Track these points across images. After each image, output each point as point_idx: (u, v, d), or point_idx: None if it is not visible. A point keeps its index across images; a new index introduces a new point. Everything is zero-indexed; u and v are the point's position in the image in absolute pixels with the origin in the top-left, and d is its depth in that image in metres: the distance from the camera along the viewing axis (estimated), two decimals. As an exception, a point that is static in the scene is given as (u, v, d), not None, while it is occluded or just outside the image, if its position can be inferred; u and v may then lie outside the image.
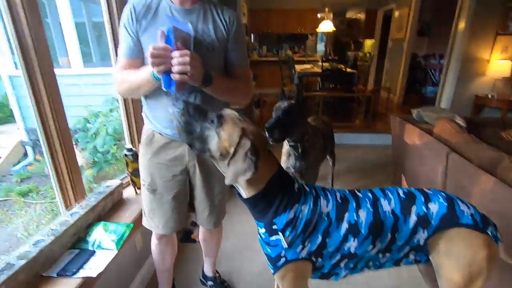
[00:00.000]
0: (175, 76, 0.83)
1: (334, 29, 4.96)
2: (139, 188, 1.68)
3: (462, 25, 3.50)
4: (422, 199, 0.87)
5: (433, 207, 0.85)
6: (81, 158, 3.24)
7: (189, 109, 0.82)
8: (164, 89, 0.87)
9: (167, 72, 0.84)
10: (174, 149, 1.09)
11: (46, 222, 2.80)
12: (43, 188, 3.37)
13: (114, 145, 3.02)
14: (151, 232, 1.28)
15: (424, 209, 0.85)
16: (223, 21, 1.03)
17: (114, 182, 1.54)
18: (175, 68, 0.82)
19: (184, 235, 2.11)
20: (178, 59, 0.81)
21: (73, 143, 1.34)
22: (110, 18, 1.57)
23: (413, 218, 0.85)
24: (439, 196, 0.87)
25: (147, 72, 0.91)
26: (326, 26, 4.84)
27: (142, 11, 0.97)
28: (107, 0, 1.55)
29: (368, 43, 7.62)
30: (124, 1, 1.59)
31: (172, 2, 0.99)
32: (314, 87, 5.59)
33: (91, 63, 5.54)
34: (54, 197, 3.38)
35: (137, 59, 1.01)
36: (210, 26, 1.00)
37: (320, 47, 8.48)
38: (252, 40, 7.57)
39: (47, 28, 5.31)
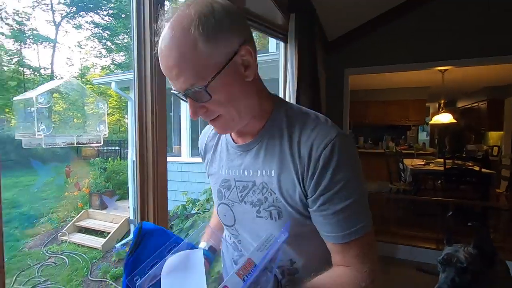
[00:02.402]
0: None
1: (455, 121, 4.26)
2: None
3: None
4: None
5: None
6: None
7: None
8: None
9: None
10: None
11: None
12: (133, 274, 3.36)
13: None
14: None
15: None
16: (296, 158, 0.55)
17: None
18: None
19: None
20: None
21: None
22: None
23: None
24: None
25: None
26: (444, 117, 4.22)
27: (204, 149, 0.75)
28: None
29: (493, 136, 6.39)
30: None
31: (232, 137, 0.66)
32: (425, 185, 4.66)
33: (196, 150, 6.16)
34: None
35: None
36: (273, 171, 0.57)
37: (422, 136, 7.64)
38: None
39: (169, 121, 6.34)
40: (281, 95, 2.06)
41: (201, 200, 3.46)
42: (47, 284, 3.04)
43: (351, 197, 0.52)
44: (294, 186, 0.55)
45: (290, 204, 0.56)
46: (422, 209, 3.63)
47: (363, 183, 0.54)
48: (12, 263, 3.60)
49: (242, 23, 0.51)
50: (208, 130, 0.74)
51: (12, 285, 3.10)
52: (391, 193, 4.35)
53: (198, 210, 3.54)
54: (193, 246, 0.56)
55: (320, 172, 0.52)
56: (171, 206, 3.58)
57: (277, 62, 2.25)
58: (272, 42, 4.18)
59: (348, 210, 0.52)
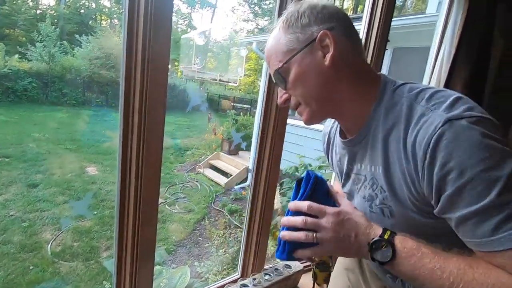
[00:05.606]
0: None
1: None
2: (318, 285, 1.36)
3: None
4: None
5: None
6: (279, 202, 3.42)
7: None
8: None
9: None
10: None
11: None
12: (244, 213, 3.92)
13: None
14: None
15: None
16: (402, 154, 0.49)
17: (296, 266, 1.30)
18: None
19: None
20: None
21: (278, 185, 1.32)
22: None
23: None
24: None
25: None
26: None
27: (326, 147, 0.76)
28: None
29: None
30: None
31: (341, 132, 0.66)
32: None
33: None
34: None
35: None
36: (379, 168, 0.53)
37: None
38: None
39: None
40: (428, 65, 1.74)
41: (313, 166, 3.52)
42: (185, 200, 3.95)
43: (485, 195, 0.40)
44: (402, 186, 0.50)
45: (402, 205, 0.52)
46: None
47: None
48: (165, 178, 4.83)
49: (327, 16, 0.53)
50: (329, 123, 0.75)
51: (165, 193, 4.19)
52: None
53: (308, 174, 3.63)
54: None
55: (429, 171, 0.44)
56: (285, 166, 3.82)
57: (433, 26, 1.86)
58: (432, 2, 3.45)
59: (484, 213, 0.41)
